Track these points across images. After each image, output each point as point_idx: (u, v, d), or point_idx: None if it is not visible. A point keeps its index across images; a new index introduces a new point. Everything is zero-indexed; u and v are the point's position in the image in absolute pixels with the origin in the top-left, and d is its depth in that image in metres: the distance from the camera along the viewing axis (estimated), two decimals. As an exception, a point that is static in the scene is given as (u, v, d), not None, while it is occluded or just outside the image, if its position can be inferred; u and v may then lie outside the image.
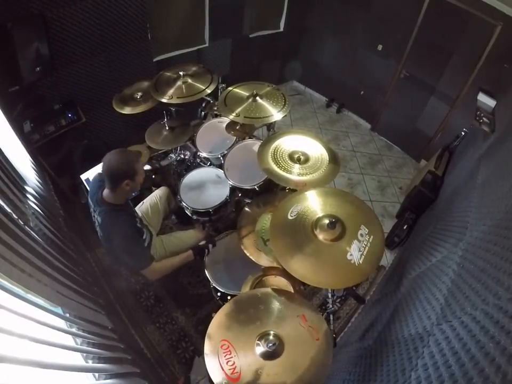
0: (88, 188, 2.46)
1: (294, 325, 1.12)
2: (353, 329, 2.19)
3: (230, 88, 2.13)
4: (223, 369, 1.00)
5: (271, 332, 1.08)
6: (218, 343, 1.06)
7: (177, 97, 2.15)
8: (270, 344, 1.03)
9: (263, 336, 1.07)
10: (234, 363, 1.02)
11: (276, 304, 1.21)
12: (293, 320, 1.13)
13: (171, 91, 2.19)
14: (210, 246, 1.76)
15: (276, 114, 1.93)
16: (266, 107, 1.97)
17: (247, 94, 2.03)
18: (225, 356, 1.03)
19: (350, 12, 3.89)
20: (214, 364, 1.02)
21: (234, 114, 1.93)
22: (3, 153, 1.46)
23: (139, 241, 1.63)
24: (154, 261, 1.62)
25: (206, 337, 1.09)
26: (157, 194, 2.18)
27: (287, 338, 1.08)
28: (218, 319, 1.15)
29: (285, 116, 1.97)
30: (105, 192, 1.54)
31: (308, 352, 1.06)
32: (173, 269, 1.73)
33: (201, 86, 2.21)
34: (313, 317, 1.14)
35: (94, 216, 1.61)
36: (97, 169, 2.51)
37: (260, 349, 1.04)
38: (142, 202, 2.12)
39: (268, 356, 1.03)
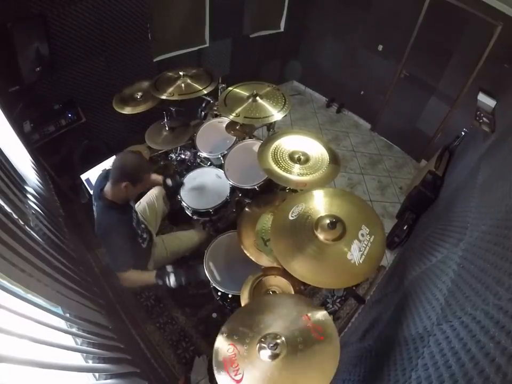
0: (88, 188, 2.47)
1: (298, 325, 1.11)
2: (354, 330, 2.19)
3: (230, 88, 2.13)
4: (227, 371, 1.00)
5: (274, 333, 1.08)
6: (227, 347, 1.06)
7: (178, 94, 2.18)
8: (271, 345, 1.02)
9: (266, 338, 1.06)
10: (238, 364, 1.02)
11: (279, 306, 1.20)
12: (297, 320, 1.13)
13: (171, 89, 2.20)
14: (172, 276, 1.63)
15: (276, 114, 1.93)
16: (266, 107, 1.97)
17: (247, 94, 2.03)
18: (230, 358, 1.03)
19: (350, 12, 3.89)
20: (220, 368, 1.02)
21: (234, 114, 1.93)
22: (3, 153, 1.46)
23: (128, 243, 1.59)
24: (131, 269, 1.59)
25: (215, 346, 1.08)
26: (153, 194, 2.17)
27: (291, 339, 1.07)
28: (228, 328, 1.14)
29: (285, 116, 1.97)
30: (106, 187, 1.55)
31: (312, 352, 1.05)
32: (139, 285, 1.75)
33: (199, 87, 2.23)
34: (318, 317, 1.14)
35: (94, 210, 1.63)
36: (98, 169, 2.52)
37: (263, 350, 1.04)
38: (139, 202, 2.12)
39: (271, 357, 1.03)
